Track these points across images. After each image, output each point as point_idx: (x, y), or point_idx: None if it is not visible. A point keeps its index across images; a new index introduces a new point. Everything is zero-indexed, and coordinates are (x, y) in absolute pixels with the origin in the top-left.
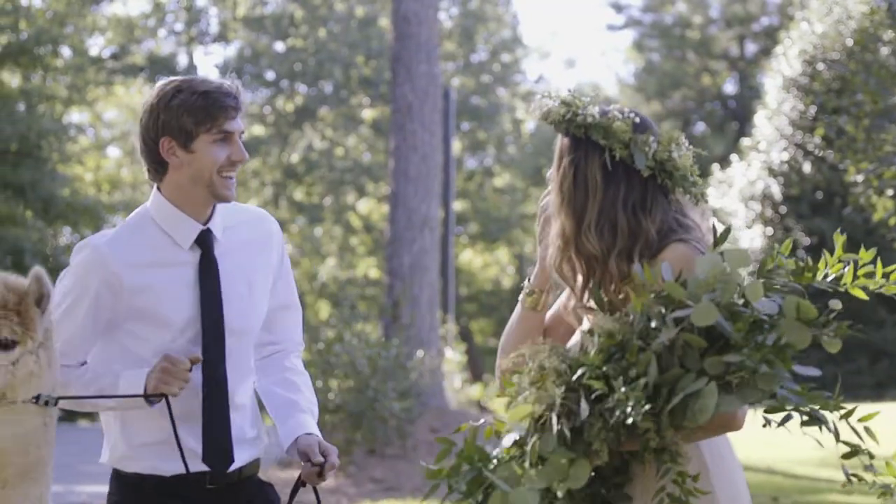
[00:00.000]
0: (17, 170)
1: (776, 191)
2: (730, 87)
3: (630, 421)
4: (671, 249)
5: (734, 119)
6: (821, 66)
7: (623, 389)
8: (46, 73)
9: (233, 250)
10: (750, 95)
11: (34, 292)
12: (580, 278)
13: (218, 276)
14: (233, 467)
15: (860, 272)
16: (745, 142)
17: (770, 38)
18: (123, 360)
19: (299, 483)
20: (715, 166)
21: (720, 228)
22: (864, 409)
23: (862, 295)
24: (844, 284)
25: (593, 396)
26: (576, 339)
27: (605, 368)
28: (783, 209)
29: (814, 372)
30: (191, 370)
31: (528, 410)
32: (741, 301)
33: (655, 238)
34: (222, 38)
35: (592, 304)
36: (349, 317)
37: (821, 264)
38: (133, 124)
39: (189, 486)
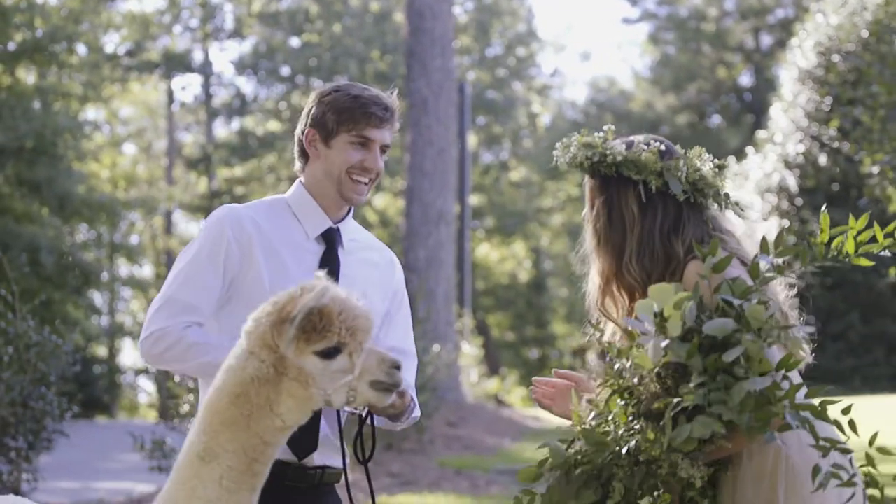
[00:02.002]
0: (33, 167)
1: (792, 183)
2: (745, 80)
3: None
4: (688, 268)
5: (750, 111)
6: (836, 58)
7: (613, 424)
8: (62, 71)
9: (355, 261)
10: (765, 88)
11: None
12: (623, 314)
13: (338, 272)
14: (315, 464)
15: (860, 238)
16: (761, 134)
17: (785, 31)
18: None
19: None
20: (731, 159)
21: (739, 222)
22: (881, 400)
23: (866, 262)
24: (847, 256)
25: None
26: None
27: (613, 411)
28: (799, 201)
29: (764, 382)
30: None
31: (534, 472)
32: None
33: (682, 258)
34: (237, 33)
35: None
36: None
37: (814, 243)
38: (149, 121)
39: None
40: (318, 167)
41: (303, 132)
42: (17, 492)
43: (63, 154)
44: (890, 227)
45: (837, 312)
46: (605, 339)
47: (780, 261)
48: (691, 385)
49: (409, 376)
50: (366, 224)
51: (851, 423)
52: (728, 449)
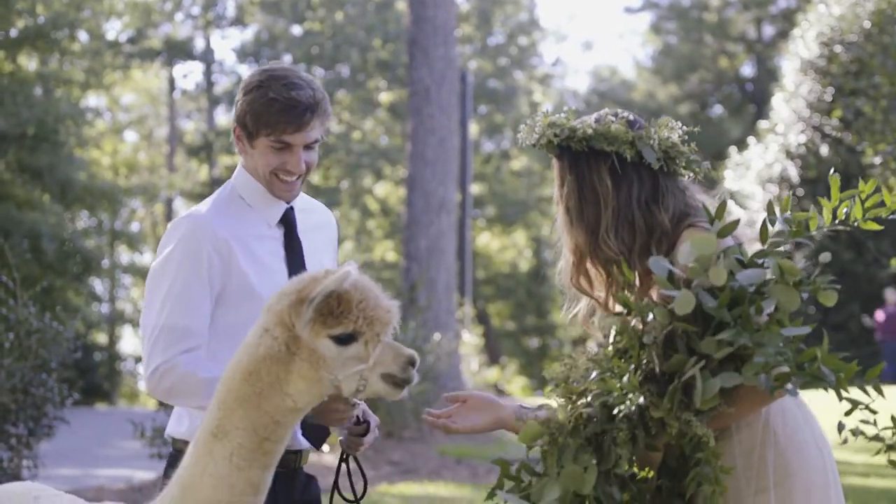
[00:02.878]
0: (35, 154)
1: (793, 173)
2: (747, 70)
3: (623, 411)
4: (686, 235)
5: (751, 102)
6: (838, 49)
7: (623, 381)
8: (63, 57)
9: (307, 231)
10: (767, 78)
11: None
12: (600, 288)
13: (302, 253)
14: (293, 448)
15: (868, 204)
16: (763, 124)
17: (787, 21)
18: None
19: (343, 455)
20: (732, 149)
21: (735, 209)
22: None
23: (875, 226)
24: (855, 221)
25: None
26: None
27: (614, 368)
28: (800, 192)
29: (803, 330)
30: None
31: (537, 430)
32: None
33: (670, 227)
34: (239, 21)
35: (619, 308)
36: None
37: (824, 206)
38: (150, 108)
39: None
40: (248, 162)
41: (233, 122)
42: (17, 478)
43: (64, 141)
44: None
45: (838, 303)
46: (581, 315)
47: (793, 224)
48: (718, 337)
49: None
50: (366, 212)
51: (877, 387)
52: (729, 416)
